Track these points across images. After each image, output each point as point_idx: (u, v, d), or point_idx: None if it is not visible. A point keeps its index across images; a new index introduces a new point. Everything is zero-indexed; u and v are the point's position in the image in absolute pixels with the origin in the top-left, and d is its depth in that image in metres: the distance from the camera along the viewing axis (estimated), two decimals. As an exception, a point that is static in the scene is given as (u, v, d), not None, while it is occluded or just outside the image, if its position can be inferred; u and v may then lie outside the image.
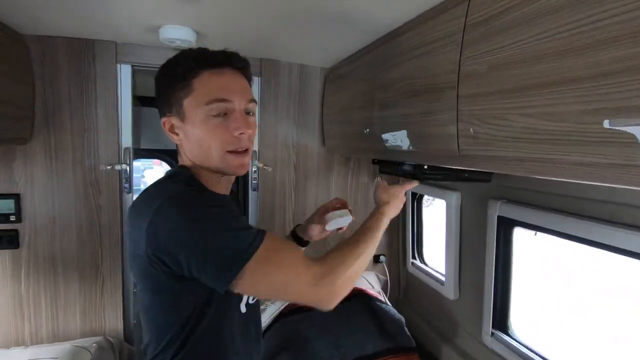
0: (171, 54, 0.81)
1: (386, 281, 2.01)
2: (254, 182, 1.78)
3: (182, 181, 0.77)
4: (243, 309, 0.86)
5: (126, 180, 1.57)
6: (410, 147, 1.06)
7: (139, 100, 2.41)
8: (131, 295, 1.66)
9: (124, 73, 1.55)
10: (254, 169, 1.78)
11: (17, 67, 1.34)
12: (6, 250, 1.46)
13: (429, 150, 0.99)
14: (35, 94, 1.43)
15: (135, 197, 1.65)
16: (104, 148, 1.54)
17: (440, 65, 0.90)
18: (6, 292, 1.47)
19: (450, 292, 1.62)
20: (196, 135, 0.77)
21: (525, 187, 1.22)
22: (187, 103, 0.77)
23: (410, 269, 1.96)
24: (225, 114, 0.76)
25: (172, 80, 0.78)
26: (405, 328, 1.57)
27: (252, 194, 1.81)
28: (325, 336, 1.46)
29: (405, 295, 2.08)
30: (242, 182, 2.06)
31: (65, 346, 1.37)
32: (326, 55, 1.60)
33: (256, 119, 0.83)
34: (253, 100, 0.81)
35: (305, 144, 1.86)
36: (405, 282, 2.08)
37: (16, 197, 1.45)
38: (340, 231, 1.07)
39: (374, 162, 1.43)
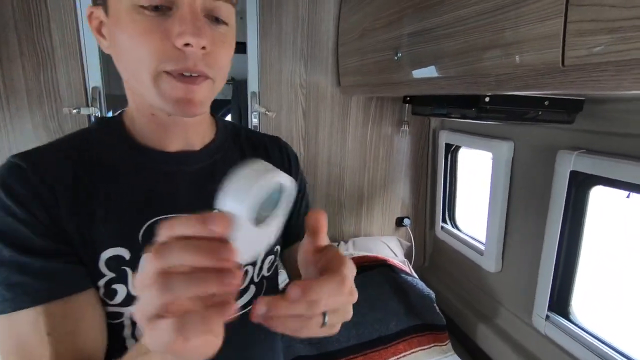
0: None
1: (410, 247, 1.74)
2: (254, 131, 1.47)
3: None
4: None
5: (98, 128, 1.29)
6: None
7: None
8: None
9: (83, -13, 1.21)
10: (253, 115, 1.46)
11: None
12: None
13: (501, 71, 0.65)
14: (-31, 15, 1.12)
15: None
16: (66, 87, 1.24)
17: None
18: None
19: (490, 263, 1.33)
20: (121, 41, 0.46)
21: (620, 132, 0.87)
22: None
23: (440, 233, 1.67)
24: (166, 9, 0.44)
25: None
26: (435, 305, 1.32)
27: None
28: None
29: (432, 263, 1.81)
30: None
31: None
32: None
33: (232, 33, 0.50)
34: None
35: (316, 83, 1.51)
36: (432, 249, 1.81)
37: (-36, 147, 1.19)
38: None
39: (405, 100, 1.09)
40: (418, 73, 0.90)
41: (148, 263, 0.27)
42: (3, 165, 0.48)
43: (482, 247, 1.40)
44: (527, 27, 0.57)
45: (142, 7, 0.43)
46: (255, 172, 0.30)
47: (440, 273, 1.72)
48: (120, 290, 0.49)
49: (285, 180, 0.31)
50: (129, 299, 0.50)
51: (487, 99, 0.76)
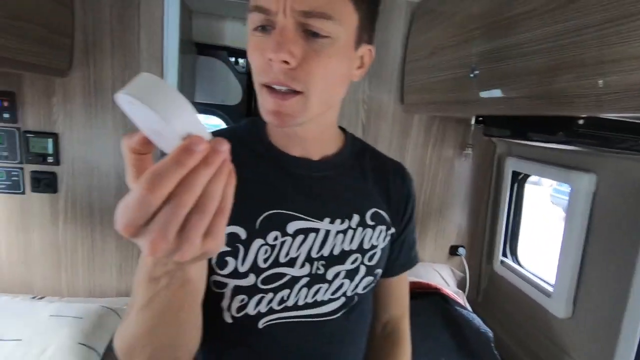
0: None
1: (464, 279, 1.62)
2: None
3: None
4: (228, 318, 0.58)
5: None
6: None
7: (197, 47, 2.22)
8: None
9: (171, 0, 1.31)
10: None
11: (54, -16, 1.15)
12: (44, 194, 1.35)
13: (603, 90, 0.59)
14: (74, 19, 1.25)
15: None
16: (147, 89, 1.33)
17: None
18: (44, 239, 1.38)
19: (559, 307, 1.20)
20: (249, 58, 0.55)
21: None
22: None
23: (499, 268, 1.54)
24: (270, 28, 0.50)
25: None
26: (493, 346, 1.20)
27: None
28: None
29: (487, 298, 1.67)
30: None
31: (93, 306, 1.23)
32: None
33: (334, 45, 0.50)
34: (310, 15, 0.47)
35: (378, 99, 1.50)
36: (487, 283, 1.67)
37: (54, 137, 1.31)
38: None
39: (477, 120, 1.03)
40: (496, 92, 0.85)
41: (141, 203, 0.26)
42: None
43: (550, 288, 1.26)
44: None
45: (255, 29, 0.51)
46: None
47: (495, 311, 1.58)
48: (231, 263, 0.55)
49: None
50: (236, 273, 0.55)
51: (580, 122, 0.69)
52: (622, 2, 0.55)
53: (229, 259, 0.54)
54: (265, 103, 0.51)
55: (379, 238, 0.64)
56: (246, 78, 2.37)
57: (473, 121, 1.26)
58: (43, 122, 1.31)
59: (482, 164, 1.60)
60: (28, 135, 1.29)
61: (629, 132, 0.73)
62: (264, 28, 0.50)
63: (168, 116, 0.25)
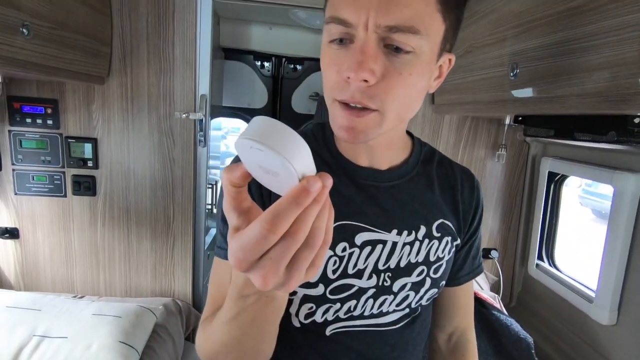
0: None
1: (497, 282, 1.58)
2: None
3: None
4: (296, 323, 0.59)
5: (201, 132, 1.39)
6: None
7: (224, 52, 2.26)
8: (202, 258, 1.53)
9: (204, 7, 1.33)
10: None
11: (95, -5, 1.20)
12: (84, 197, 1.40)
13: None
14: (113, 28, 1.30)
15: (208, 151, 1.51)
16: (180, 94, 1.37)
17: None
18: (84, 240, 1.43)
19: (603, 314, 1.15)
20: (322, 69, 0.52)
21: None
22: None
23: (534, 271, 1.50)
24: (349, 42, 0.47)
25: None
26: (533, 352, 1.16)
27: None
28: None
29: (521, 303, 1.62)
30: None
31: (131, 305, 1.27)
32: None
33: (417, 61, 0.46)
34: (396, 29, 0.43)
35: (408, 100, 1.48)
36: (522, 287, 1.63)
37: (94, 142, 1.36)
38: None
39: (517, 120, 1.00)
40: (539, 90, 0.82)
41: (260, 239, 0.27)
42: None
43: (592, 294, 1.21)
44: None
45: (331, 41, 0.48)
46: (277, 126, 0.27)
47: (531, 316, 1.53)
48: None
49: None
50: (306, 283, 0.53)
51: (636, 120, 0.66)
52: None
53: None
54: (338, 118, 0.49)
55: (444, 250, 0.62)
56: (271, 81, 2.40)
57: (507, 121, 1.23)
58: (83, 127, 1.36)
59: (515, 164, 1.56)
60: (70, 140, 1.35)
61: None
62: (341, 41, 0.47)
63: (291, 160, 0.26)
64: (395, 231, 0.58)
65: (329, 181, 0.27)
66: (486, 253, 1.60)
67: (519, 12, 0.92)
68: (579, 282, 1.31)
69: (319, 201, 0.27)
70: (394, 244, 0.58)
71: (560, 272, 1.42)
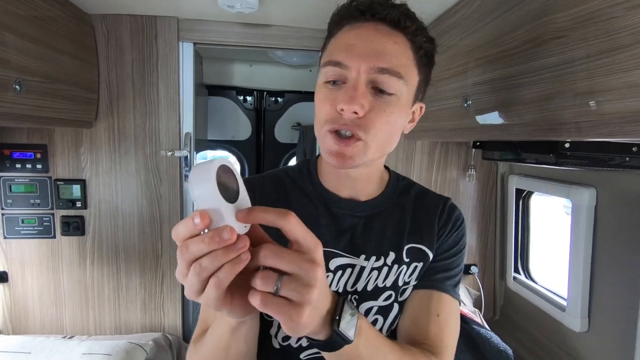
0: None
1: (479, 297, 1.64)
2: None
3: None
4: (276, 344, 0.64)
5: (187, 167, 1.46)
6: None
7: (208, 89, 2.36)
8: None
9: (186, 51, 1.44)
10: (322, 158, 1.55)
11: (82, 47, 1.29)
12: (73, 237, 1.44)
13: (582, 118, 0.65)
14: (100, 76, 1.38)
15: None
16: (165, 133, 1.44)
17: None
18: (73, 279, 1.45)
19: (575, 322, 1.21)
20: (315, 105, 0.62)
21: None
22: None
23: (512, 284, 1.56)
24: (342, 83, 0.57)
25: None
26: (512, 363, 1.21)
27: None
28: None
29: (504, 316, 1.68)
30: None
31: (120, 342, 1.29)
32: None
33: (397, 102, 0.56)
34: (386, 71, 0.54)
35: (381, 129, 1.58)
36: (503, 300, 1.69)
37: (82, 183, 1.42)
38: None
39: (475, 145, 1.10)
40: (487, 119, 0.92)
41: (180, 259, 0.37)
42: None
43: (564, 303, 1.28)
44: (612, 76, 0.58)
45: (327, 82, 0.57)
46: (200, 168, 0.36)
47: (513, 328, 1.58)
48: None
49: (223, 161, 0.38)
50: None
51: (567, 145, 0.75)
52: (603, 38, 0.63)
53: None
54: (330, 146, 0.57)
55: (412, 274, 0.65)
56: (254, 114, 2.50)
57: (471, 144, 1.33)
58: (72, 170, 1.41)
59: (486, 183, 1.66)
60: (58, 182, 1.40)
61: (616, 151, 0.79)
62: (335, 82, 0.57)
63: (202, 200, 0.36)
64: (363, 256, 0.63)
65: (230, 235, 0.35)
66: (466, 269, 1.66)
67: (468, 51, 1.03)
68: (553, 292, 1.37)
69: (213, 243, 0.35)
70: (362, 268, 0.63)
71: (536, 283, 1.49)
